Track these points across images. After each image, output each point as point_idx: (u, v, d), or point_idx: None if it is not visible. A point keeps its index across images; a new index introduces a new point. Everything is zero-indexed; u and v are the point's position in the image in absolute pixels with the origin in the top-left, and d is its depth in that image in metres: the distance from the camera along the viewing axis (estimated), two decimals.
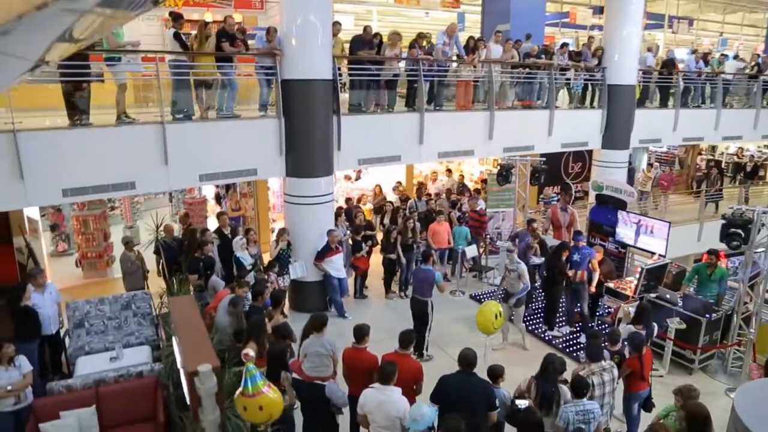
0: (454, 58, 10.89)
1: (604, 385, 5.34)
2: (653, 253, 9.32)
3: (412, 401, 5.08)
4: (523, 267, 8.10)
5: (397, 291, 10.49)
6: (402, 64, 10.53)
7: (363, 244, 9.83)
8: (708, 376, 8.01)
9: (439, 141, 10.69)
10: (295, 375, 5.23)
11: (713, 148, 20.80)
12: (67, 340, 7.64)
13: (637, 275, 8.53)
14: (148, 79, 7.96)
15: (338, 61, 9.37)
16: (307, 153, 9.07)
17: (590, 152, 14.33)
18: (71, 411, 5.68)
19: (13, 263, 9.53)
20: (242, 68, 9.32)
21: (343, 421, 5.69)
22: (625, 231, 9.81)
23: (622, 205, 10.15)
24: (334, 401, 4.98)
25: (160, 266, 8.95)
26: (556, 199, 11.70)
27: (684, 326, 7.74)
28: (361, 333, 5.55)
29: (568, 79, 12.55)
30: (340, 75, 9.37)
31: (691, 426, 4.21)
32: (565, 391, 5.18)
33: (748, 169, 18.12)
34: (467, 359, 5.07)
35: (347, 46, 10.25)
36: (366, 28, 9.70)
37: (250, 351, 3.95)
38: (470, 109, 11.15)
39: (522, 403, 4.95)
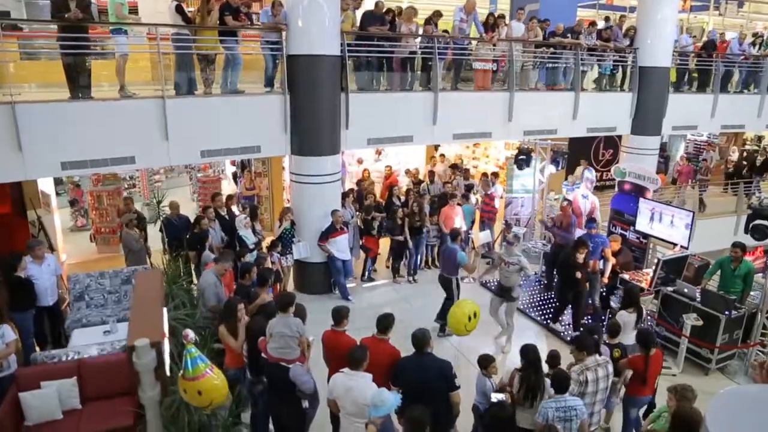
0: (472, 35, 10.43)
1: (598, 382, 4.94)
2: (675, 244, 8.73)
3: (388, 387, 4.85)
4: (524, 260, 7.64)
5: (406, 275, 10.21)
6: (417, 42, 10.13)
7: (373, 224, 9.56)
8: (726, 377, 7.47)
9: (454, 122, 10.29)
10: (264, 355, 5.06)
11: (759, 138, 19.55)
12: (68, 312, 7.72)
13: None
14: (150, 53, 7.83)
15: (348, 37, 9.07)
16: (312, 131, 8.85)
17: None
18: (52, 381, 5.65)
19: (27, 236, 9.71)
20: (247, 44, 9.11)
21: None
22: (646, 220, 9.22)
23: (645, 193, 9.55)
24: (299, 385, 4.77)
25: (165, 243, 8.98)
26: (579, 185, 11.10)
27: (701, 323, 7.21)
28: (339, 315, 5.34)
29: (601, 60, 11.89)
30: (350, 51, 9.06)
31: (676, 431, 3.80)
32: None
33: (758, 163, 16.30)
34: (417, 340, 4.85)
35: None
36: (377, 3, 9.34)
37: (191, 332, 3.77)
38: (489, 89, 10.68)
39: (497, 397, 4.64)
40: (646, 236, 9.44)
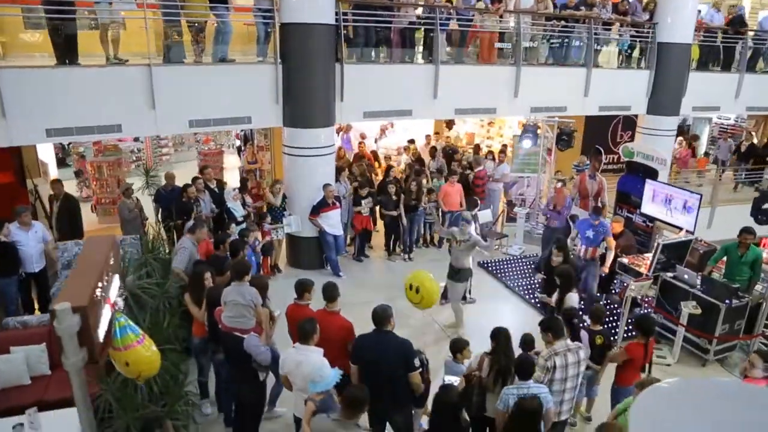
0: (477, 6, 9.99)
1: (567, 368, 4.63)
2: (681, 229, 8.29)
3: (344, 362, 4.68)
4: (476, 236, 7.29)
5: (402, 253, 9.99)
6: (419, 12, 9.76)
7: (363, 201, 9.34)
8: (725, 369, 7.10)
9: (456, 96, 9.94)
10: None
11: None
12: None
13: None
14: (137, 19, 7.68)
15: (344, 6, 8.77)
16: (305, 102, 8.63)
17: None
18: (21, 347, 5.65)
19: (27, 204, 9.81)
20: (238, 12, 8.90)
21: None
22: (652, 203, 8.77)
23: (653, 174, 9.09)
24: (254, 356, 4.63)
25: (157, 214, 8.97)
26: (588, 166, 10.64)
27: (699, 311, 6.82)
28: (301, 288, 5.18)
29: (620, 35, 11.31)
30: (345, 20, 8.76)
31: None
32: None
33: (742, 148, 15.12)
34: (377, 316, 4.63)
35: None
36: None
37: (120, 300, 3.64)
38: (494, 63, 10.26)
39: (449, 380, 4.41)
40: (652, 220, 8.99)
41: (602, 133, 14.59)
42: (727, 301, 6.73)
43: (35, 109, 7.16)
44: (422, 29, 9.73)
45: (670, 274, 7.39)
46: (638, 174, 9.29)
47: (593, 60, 11.03)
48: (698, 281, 7.04)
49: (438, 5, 9.39)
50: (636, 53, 11.61)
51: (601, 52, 11.44)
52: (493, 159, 11.27)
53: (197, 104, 8.08)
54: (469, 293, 8.34)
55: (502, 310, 8.38)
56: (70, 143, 12.98)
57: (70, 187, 12.70)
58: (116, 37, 7.79)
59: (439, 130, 15.21)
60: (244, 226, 8.01)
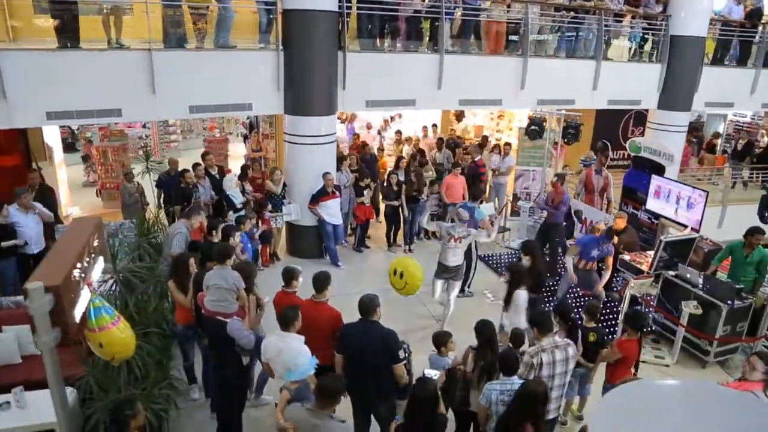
0: None
1: (555, 365, 4.49)
2: (686, 226, 8.11)
3: (331, 352, 4.65)
4: (474, 230, 7.12)
5: (402, 244, 9.92)
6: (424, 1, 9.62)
7: (365, 191, 9.27)
8: (725, 372, 6.92)
9: (460, 87, 9.80)
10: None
11: None
12: None
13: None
14: (138, 2, 7.67)
15: None
16: (306, 90, 8.57)
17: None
18: (13, 327, 5.70)
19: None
20: None
21: None
22: (656, 199, 8.59)
23: (660, 170, 8.90)
24: (237, 341, 4.60)
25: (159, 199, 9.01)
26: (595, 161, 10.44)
27: (700, 311, 6.67)
28: (288, 276, 5.15)
29: (631, 27, 11.07)
30: (348, 7, 8.67)
31: None
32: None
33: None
34: (363, 306, 4.57)
35: None
36: None
37: (94, 281, 3.61)
38: (501, 54, 10.09)
39: (428, 374, 4.33)
40: (657, 216, 8.81)
41: (613, 128, 14.35)
42: (729, 302, 6.57)
43: (36, 91, 7.19)
44: (427, 19, 9.56)
45: (672, 273, 7.23)
46: (644, 169, 9.09)
47: (604, 53, 10.85)
48: (700, 280, 6.88)
49: None
50: (648, 46, 11.35)
51: (612, 45, 11.21)
52: (499, 152, 11.11)
53: (198, 90, 8.05)
54: (468, 286, 8.26)
55: (498, 305, 8.25)
56: (78, 128, 13.08)
57: (78, 171, 12.85)
58: (118, 22, 7.78)
59: (447, 122, 15.04)
60: (242, 213, 8.03)
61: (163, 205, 8.74)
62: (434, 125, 13.87)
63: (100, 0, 7.56)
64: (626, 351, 4.97)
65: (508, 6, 9.84)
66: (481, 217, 7.89)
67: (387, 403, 4.71)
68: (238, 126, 15.26)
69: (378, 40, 9.42)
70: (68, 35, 7.41)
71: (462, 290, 7.76)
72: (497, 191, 11.27)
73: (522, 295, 5.72)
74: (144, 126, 13.98)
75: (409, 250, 9.82)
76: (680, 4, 10.88)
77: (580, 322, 5.48)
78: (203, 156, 9.17)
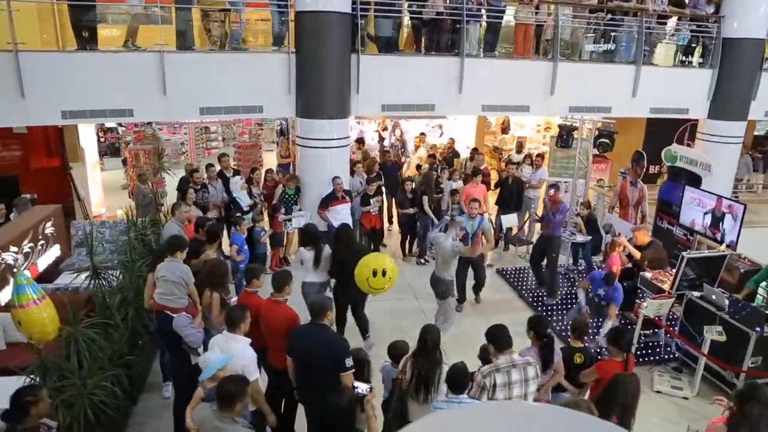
0: None
1: (511, 387, 3.97)
2: (720, 242, 7.26)
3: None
4: (451, 244, 6.56)
5: (416, 256, 9.54)
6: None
7: (372, 200, 9.00)
8: None
9: (483, 92, 9.39)
10: None
11: None
12: None
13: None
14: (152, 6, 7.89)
15: None
16: (317, 92, 8.47)
17: None
18: (2, 314, 5.86)
19: (68, 189, 10.41)
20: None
21: None
22: (691, 212, 7.76)
23: (697, 181, 8.07)
24: (183, 338, 4.44)
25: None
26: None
27: (723, 338, 5.87)
28: (251, 275, 4.99)
29: (677, 29, 10.26)
30: (363, 9, 8.52)
31: None
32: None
33: None
34: (314, 308, 4.32)
35: None
36: None
37: (20, 258, 3.56)
38: (529, 57, 9.59)
39: (359, 388, 3.97)
40: (692, 231, 7.98)
41: (666, 140, 13.23)
42: (758, 329, 5.75)
43: (53, 91, 7.48)
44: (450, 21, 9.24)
45: (696, 294, 6.45)
46: (680, 181, 8.28)
47: (648, 57, 10.10)
48: (726, 302, 6.09)
49: None
50: (698, 51, 10.45)
51: (657, 49, 10.41)
52: (531, 163, 10.53)
53: (208, 91, 8.14)
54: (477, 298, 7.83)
55: (504, 320, 7.70)
56: (121, 133, 13.69)
57: (119, 175, 13.42)
58: (135, 26, 8.01)
59: (483, 132, 14.57)
60: (243, 216, 7.96)
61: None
62: (422, 134, 13.38)
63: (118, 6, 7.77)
64: (604, 373, 4.39)
65: (537, 7, 9.34)
66: (486, 229, 7.42)
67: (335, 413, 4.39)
68: (272, 133, 15.49)
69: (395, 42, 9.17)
70: (87, 37, 7.70)
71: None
72: (527, 205, 10.66)
73: None
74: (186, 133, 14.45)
75: (424, 260, 9.44)
76: (736, 3, 9.96)
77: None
78: (219, 158, 9.26)
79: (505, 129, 16.89)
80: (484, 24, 9.42)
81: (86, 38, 7.66)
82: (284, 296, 4.73)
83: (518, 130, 16.74)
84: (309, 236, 6.34)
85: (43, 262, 4.27)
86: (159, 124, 13.91)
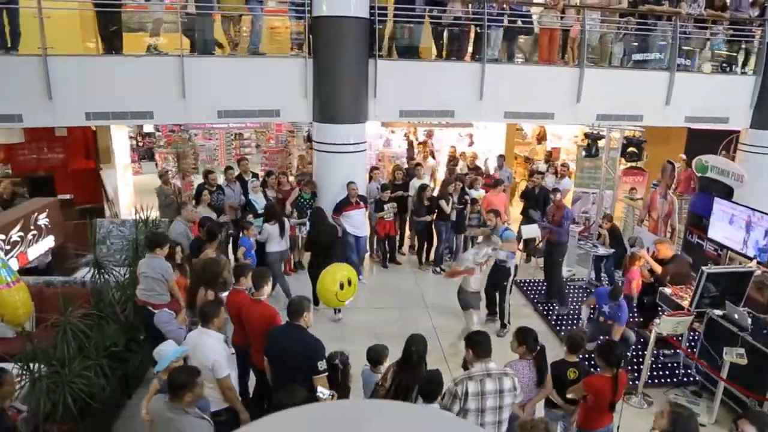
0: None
1: (485, 398, 3.74)
2: (752, 258, 6.75)
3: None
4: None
5: (432, 266, 9.35)
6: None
7: (386, 206, 8.89)
8: None
9: (506, 99, 9.16)
10: None
11: None
12: None
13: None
14: (172, 12, 8.11)
15: (383, 0, 8.53)
16: (334, 97, 8.48)
17: None
18: None
19: (99, 190, 10.82)
20: (271, 4, 9.01)
21: None
22: (721, 226, 7.27)
23: (729, 193, 7.57)
24: (164, 334, 4.45)
25: None
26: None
27: (744, 361, 5.41)
28: (237, 272, 4.99)
29: (714, 34, 9.74)
30: (382, 14, 8.49)
31: None
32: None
33: None
34: (291, 307, 4.25)
35: None
36: None
37: (8, 245, 3.64)
38: (554, 63, 9.31)
39: (321, 393, 3.84)
40: (723, 247, 7.47)
41: (708, 151, 12.54)
42: None
43: (78, 93, 7.78)
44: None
45: (717, 312, 6.00)
46: (711, 192, 7.78)
47: (695, 63, 9.62)
48: (749, 323, 5.63)
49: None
50: (740, 58, 9.87)
51: (696, 54, 9.89)
52: (555, 173, 10.19)
53: (226, 95, 8.27)
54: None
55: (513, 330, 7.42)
56: (156, 137, 14.13)
57: (154, 178, 13.82)
58: (158, 32, 8.26)
59: (512, 143, 14.26)
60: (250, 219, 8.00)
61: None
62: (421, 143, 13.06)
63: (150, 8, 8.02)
64: (592, 390, 4.10)
65: (562, 12, 9.06)
66: (506, 237, 7.20)
67: None
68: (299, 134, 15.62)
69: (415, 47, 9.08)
70: (114, 42, 7.99)
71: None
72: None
73: None
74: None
75: (440, 269, 9.24)
76: None
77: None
78: (239, 161, 9.39)
79: (541, 140, 16.49)
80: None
81: (112, 44, 7.95)
82: (263, 294, 4.69)
83: (555, 142, 16.32)
84: (271, 213, 7.60)
85: (34, 251, 4.39)
86: (195, 129, 14.30)
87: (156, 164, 13.61)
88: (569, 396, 4.37)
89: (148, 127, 14.69)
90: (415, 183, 9.37)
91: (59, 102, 7.72)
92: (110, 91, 7.88)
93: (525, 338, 4.38)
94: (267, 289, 4.68)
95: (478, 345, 3.90)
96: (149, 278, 4.68)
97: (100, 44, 8.03)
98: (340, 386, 4.50)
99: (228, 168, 8.94)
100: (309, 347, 4.18)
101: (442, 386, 3.76)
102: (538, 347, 4.40)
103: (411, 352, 4.03)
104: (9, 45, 7.67)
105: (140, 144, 14.89)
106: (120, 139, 11.08)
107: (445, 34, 9.09)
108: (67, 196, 10.16)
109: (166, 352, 3.62)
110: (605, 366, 4.16)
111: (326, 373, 4.12)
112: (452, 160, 11.17)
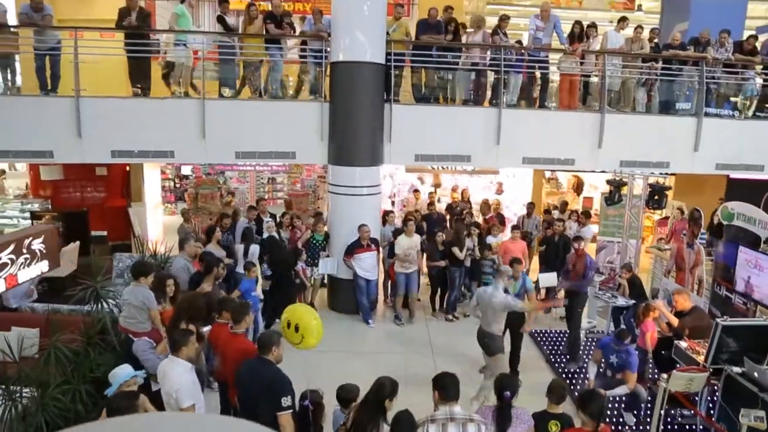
0: (553, 46, 9.14)
1: None
2: None
3: None
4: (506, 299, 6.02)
5: (444, 313, 9.06)
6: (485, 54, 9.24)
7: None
8: None
9: (524, 144, 9.09)
10: None
11: None
12: None
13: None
14: (195, 58, 8.55)
15: (400, 47, 8.72)
16: (349, 140, 8.60)
17: None
18: (20, 328, 6.28)
19: (128, 227, 11.26)
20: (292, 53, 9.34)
21: None
22: (746, 275, 6.78)
23: (757, 242, 7.09)
24: (141, 362, 4.46)
25: None
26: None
27: (764, 426, 4.91)
28: (220, 307, 4.99)
29: (745, 78, 9.42)
30: (398, 60, 8.67)
31: None
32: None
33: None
34: (260, 341, 4.18)
35: None
36: (430, 11, 8.79)
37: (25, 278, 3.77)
38: (575, 109, 9.18)
39: None
40: (752, 300, 6.94)
41: (750, 201, 11.93)
42: None
43: (105, 132, 8.26)
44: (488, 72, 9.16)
45: (737, 369, 5.51)
46: (736, 241, 7.31)
47: (723, 109, 9.31)
48: None
49: (504, 45, 8.78)
50: None
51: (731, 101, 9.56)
52: (577, 220, 9.87)
53: (244, 137, 8.56)
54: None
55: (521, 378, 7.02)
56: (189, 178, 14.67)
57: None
58: (185, 77, 8.71)
59: (539, 190, 13.97)
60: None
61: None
62: (416, 191, 12.60)
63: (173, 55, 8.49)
64: None
65: (582, 57, 9.00)
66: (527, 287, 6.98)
67: None
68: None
69: (432, 92, 9.19)
70: (143, 86, 8.48)
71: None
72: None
73: None
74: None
75: (453, 317, 8.94)
76: None
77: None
78: (257, 202, 9.60)
79: (578, 189, 16.12)
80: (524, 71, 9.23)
81: (141, 87, 8.43)
82: (242, 328, 4.66)
83: (591, 191, 15.90)
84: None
85: (25, 275, 4.55)
86: (230, 172, 14.80)
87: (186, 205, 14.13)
88: None
89: (185, 170, 15.34)
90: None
91: (87, 140, 8.18)
92: (135, 131, 8.31)
93: (496, 387, 4.12)
94: (246, 323, 4.65)
95: (443, 388, 3.70)
96: (131, 305, 4.76)
97: (129, 87, 8.52)
98: (312, 427, 4.37)
99: (251, 207, 9.14)
100: (275, 382, 4.08)
101: (411, 426, 3.56)
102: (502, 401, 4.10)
103: (370, 392, 3.87)
104: (49, 87, 8.28)
105: (177, 186, 15.52)
106: (151, 179, 11.56)
107: (462, 79, 9.17)
108: (102, 233, 10.65)
109: (118, 375, 3.61)
110: (586, 418, 3.84)
111: (290, 410, 4.00)
112: (453, 207, 10.97)
